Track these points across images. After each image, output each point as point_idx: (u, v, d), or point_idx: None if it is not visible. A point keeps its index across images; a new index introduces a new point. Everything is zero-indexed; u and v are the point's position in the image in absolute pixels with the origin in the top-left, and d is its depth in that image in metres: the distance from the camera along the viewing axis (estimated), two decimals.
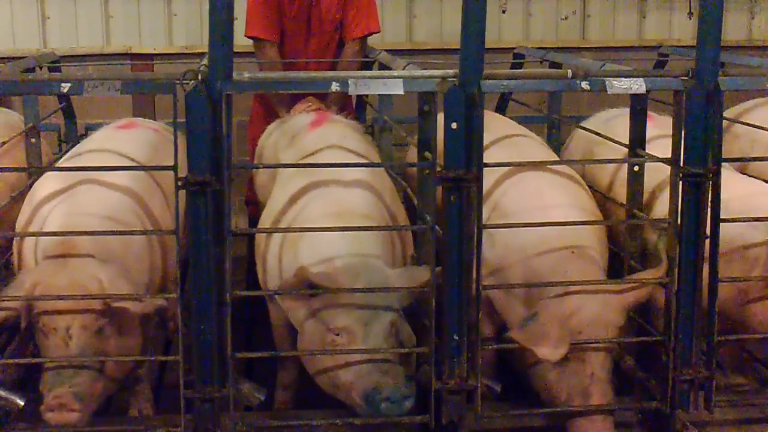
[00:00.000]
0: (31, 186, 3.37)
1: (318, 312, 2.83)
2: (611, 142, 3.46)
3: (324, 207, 3.10)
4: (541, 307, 2.95)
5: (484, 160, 2.84)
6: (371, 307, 2.81)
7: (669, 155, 3.00)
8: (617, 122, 3.77)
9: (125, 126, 3.82)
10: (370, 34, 4.94)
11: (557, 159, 3.69)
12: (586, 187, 3.42)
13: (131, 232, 2.98)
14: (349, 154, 3.46)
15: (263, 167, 3.78)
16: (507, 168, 3.30)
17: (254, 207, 4.43)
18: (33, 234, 3.07)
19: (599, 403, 2.88)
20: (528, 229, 3.06)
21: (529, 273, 3.08)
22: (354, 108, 4.96)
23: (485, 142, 3.50)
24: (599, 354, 2.91)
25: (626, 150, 3.39)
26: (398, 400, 2.68)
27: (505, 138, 3.64)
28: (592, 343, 2.90)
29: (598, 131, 3.63)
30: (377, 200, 3.19)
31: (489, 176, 3.26)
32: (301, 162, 3.48)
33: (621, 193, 3.44)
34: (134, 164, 3.43)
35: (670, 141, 3.00)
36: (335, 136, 3.62)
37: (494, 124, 3.80)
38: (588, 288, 2.95)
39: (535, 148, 3.64)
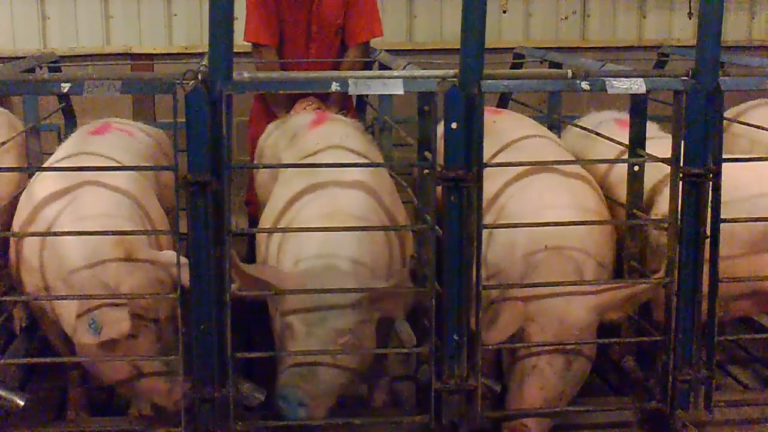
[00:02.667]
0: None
1: (280, 311, 2.90)
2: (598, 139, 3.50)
3: (318, 208, 3.10)
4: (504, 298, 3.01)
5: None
6: (321, 310, 2.83)
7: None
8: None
9: (99, 130, 3.73)
10: (374, 38, 4.94)
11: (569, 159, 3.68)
12: (597, 188, 3.42)
13: (131, 233, 2.98)
14: (349, 154, 3.46)
15: (263, 167, 3.78)
16: (516, 171, 3.32)
17: (254, 207, 4.43)
18: (34, 234, 3.06)
19: (532, 396, 2.89)
20: (518, 229, 3.08)
21: (515, 273, 3.10)
22: (354, 108, 4.95)
23: (500, 144, 3.55)
24: (550, 351, 2.92)
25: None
26: (292, 403, 2.74)
27: (519, 140, 3.64)
28: (546, 345, 2.92)
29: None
30: (374, 201, 3.18)
31: (498, 179, 3.30)
32: (301, 162, 3.47)
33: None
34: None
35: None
36: (336, 136, 3.61)
37: (510, 125, 3.80)
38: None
39: (549, 149, 3.63)
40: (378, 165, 3.42)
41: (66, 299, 2.91)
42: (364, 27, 4.84)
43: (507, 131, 3.69)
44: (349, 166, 3.26)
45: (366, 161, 3.44)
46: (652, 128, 3.60)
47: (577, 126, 3.93)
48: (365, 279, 2.92)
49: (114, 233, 2.91)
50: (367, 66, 4.86)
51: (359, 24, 4.83)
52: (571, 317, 2.94)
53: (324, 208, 3.10)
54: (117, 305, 2.80)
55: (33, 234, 3.06)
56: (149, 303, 2.85)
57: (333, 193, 3.16)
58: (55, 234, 2.96)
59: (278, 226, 3.18)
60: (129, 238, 2.95)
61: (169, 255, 2.89)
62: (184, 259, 2.79)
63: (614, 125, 3.85)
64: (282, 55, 4.81)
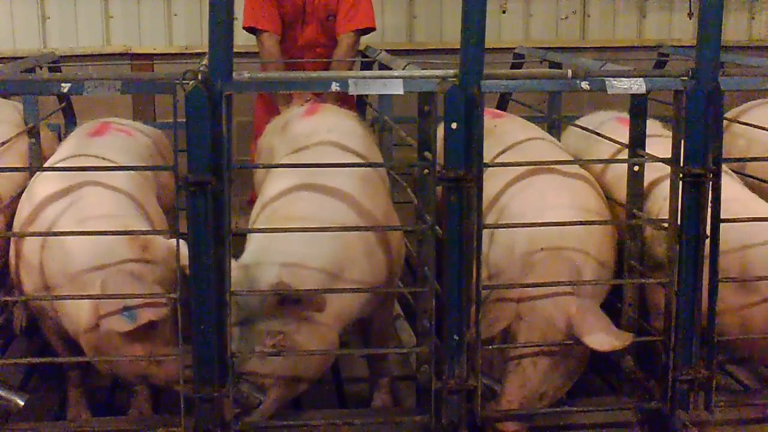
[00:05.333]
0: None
1: None
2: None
3: (287, 211, 3.10)
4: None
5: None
6: (250, 314, 2.85)
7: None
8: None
9: (98, 131, 3.73)
10: (364, 30, 4.95)
11: (569, 159, 3.68)
12: (598, 188, 3.42)
13: (131, 233, 2.98)
14: (339, 151, 3.44)
15: (263, 167, 3.78)
16: (517, 172, 3.32)
17: None
18: (34, 234, 3.07)
19: (511, 392, 2.90)
20: (519, 230, 3.09)
21: (514, 273, 3.10)
22: (355, 107, 4.96)
23: (501, 147, 3.55)
24: (536, 351, 2.92)
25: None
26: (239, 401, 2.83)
27: (520, 143, 3.64)
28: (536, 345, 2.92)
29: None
30: (352, 207, 3.14)
31: (499, 180, 3.29)
32: (292, 154, 3.45)
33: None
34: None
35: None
36: (324, 129, 3.59)
37: (512, 128, 3.80)
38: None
39: (551, 152, 3.62)
40: (377, 165, 3.41)
41: (66, 299, 2.91)
42: (354, 17, 4.89)
43: (508, 134, 3.69)
44: (346, 166, 3.24)
45: (357, 158, 3.42)
46: (655, 126, 3.61)
47: (577, 126, 3.94)
48: (306, 283, 2.88)
49: (116, 233, 2.91)
50: (367, 64, 4.87)
51: (349, 14, 4.87)
52: (559, 319, 2.94)
53: (294, 211, 3.08)
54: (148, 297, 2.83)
55: (41, 234, 3.06)
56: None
57: (308, 195, 3.14)
58: (62, 234, 2.96)
59: (256, 225, 3.18)
60: (142, 235, 2.96)
61: (182, 246, 2.83)
62: (184, 248, 2.78)
63: (616, 123, 3.85)
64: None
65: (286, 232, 3.06)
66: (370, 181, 3.32)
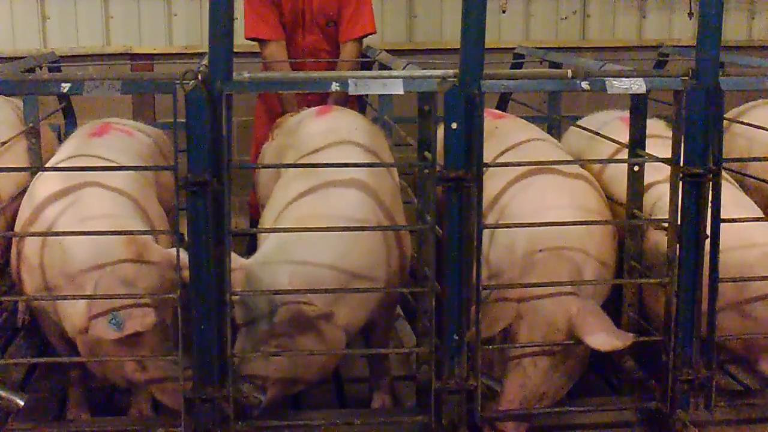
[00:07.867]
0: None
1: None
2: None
3: (308, 209, 3.09)
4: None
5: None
6: (256, 314, 2.86)
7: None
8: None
9: (98, 132, 3.71)
10: (366, 35, 4.96)
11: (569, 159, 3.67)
12: (598, 188, 3.42)
13: (131, 232, 2.98)
14: (353, 149, 3.44)
15: (263, 167, 3.78)
16: (517, 172, 3.32)
17: (256, 209, 4.44)
18: (34, 234, 3.07)
19: (512, 392, 2.89)
20: (519, 230, 3.09)
21: (515, 273, 3.09)
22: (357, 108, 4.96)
23: (502, 147, 3.55)
24: (535, 352, 2.91)
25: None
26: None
27: (521, 144, 3.64)
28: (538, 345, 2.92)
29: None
30: (372, 202, 3.15)
31: (500, 180, 3.30)
32: (303, 155, 3.44)
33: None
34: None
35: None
36: (348, 126, 3.59)
37: (513, 129, 3.80)
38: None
39: (552, 153, 3.62)
40: (377, 165, 3.41)
41: (66, 299, 2.91)
42: (357, 23, 4.89)
43: (509, 135, 3.69)
44: (349, 166, 3.24)
45: (378, 158, 3.42)
46: (658, 126, 3.60)
47: (579, 126, 3.94)
48: (307, 284, 2.87)
49: (115, 233, 2.91)
50: (367, 64, 4.87)
51: (351, 20, 4.88)
52: (559, 319, 2.94)
53: (315, 209, 3.08)
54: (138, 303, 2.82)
55: (40, 234, 3.06)
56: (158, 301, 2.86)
57: (326, 193, 3.14)
58: (62, 234, 2.96)
59: (268, 225, 3.17)
60: (139, 237, 2.96)
61: (182, 254, 2.84)
62: (184, 256, 2.78)
63: (620, 123, 3.86)
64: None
65: (285, 232, 3.06)
66: (392, 180, 3.34)
